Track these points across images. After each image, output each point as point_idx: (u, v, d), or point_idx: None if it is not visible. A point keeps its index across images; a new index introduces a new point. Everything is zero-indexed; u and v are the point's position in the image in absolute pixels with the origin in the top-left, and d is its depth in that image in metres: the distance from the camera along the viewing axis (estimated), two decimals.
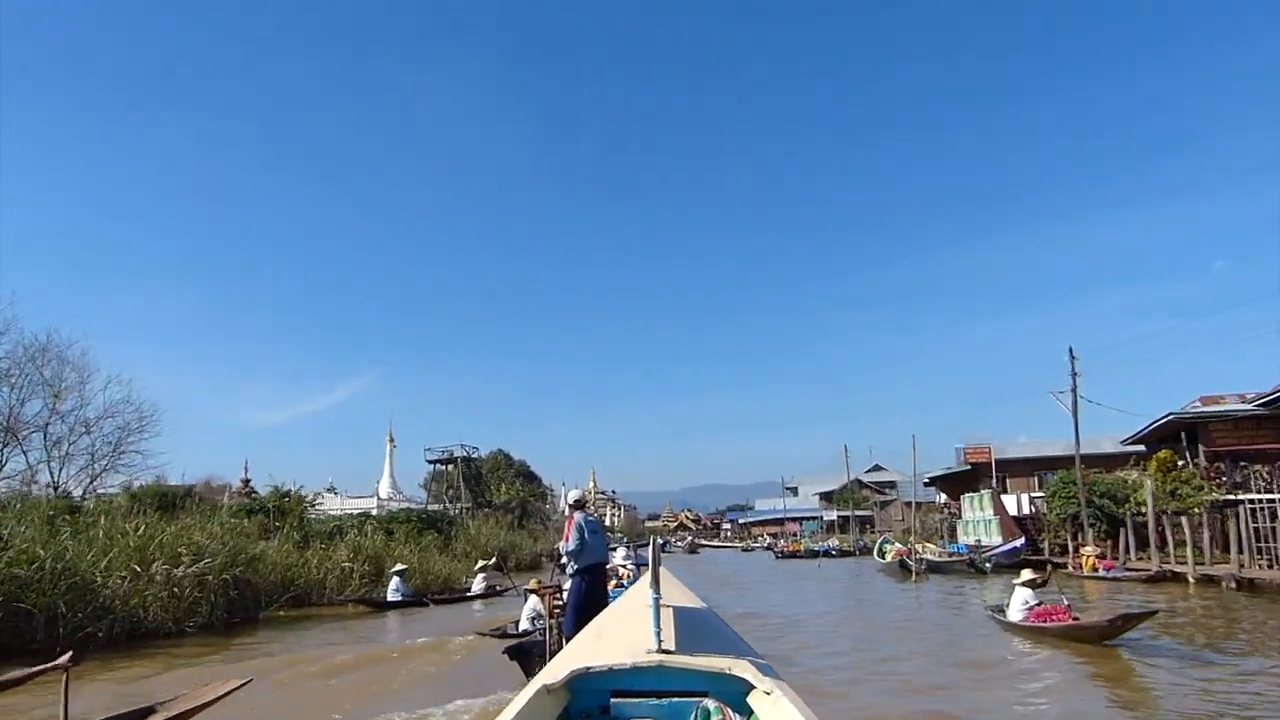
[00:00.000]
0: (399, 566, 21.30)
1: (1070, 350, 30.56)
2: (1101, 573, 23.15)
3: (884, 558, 34.78)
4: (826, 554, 49.09)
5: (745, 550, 77.74)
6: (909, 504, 72.58)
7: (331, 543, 22.19)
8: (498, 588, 23.64)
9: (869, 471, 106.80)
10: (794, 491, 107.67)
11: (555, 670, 3.49)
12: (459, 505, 62.48)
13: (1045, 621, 11.95)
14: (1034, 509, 34.54)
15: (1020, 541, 29.94)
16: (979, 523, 35.48)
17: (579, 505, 9.24)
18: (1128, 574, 23.00)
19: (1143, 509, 26.61)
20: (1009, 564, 28.75)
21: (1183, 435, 30.11)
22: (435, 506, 58.34)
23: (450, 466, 64.20)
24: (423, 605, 20.52)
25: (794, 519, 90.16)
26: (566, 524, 9.06)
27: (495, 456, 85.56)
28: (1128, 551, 26.29)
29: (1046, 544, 30.91)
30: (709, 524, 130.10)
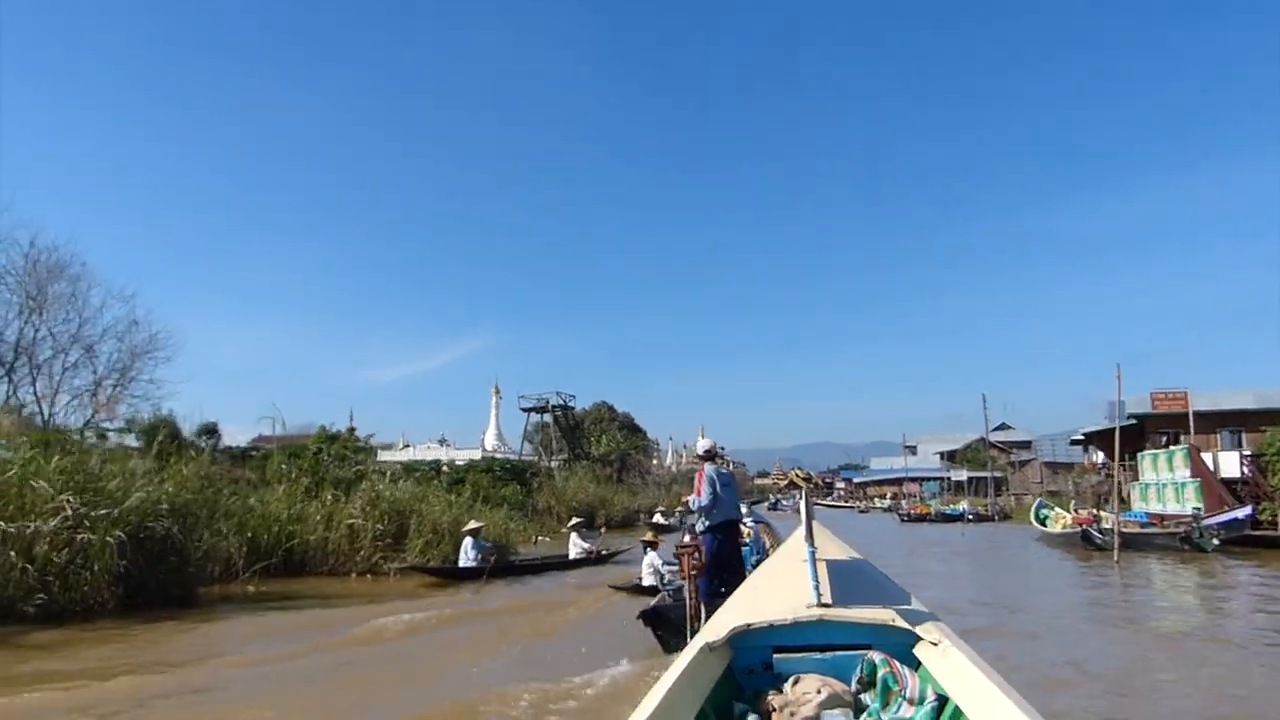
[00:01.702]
0: (472, 524, 15.96)
1: None
2: None
3: (1045, 525, 27.75)
4: (963, 518, 41.76)
5: (862, 511, 69.92)
6: (1049, 464, 63.95)
7: (349, 494, 16.75)
8: (603, 551, 18.36)
9: (995, 430, 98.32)
10: (913, 450, 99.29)
11: (716, 628, 3.30)
12: (554, 457, 57.80)
13: None
14: (1245, 472, 26.49)
15: (1246, 510, 22.26)
16: (1165, 486, 27.73)
17: (709, 456, 8.51)
18: None
19: None
20: (1230, 539, 21.41)
21: None
22: (531, 458, 53.51)
23: (548, 417, 58.78)
24: (480, 576, 14.70)
25: (914, 479, 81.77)
26: (696, 477, 8.24)
27: (598, 408, 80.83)
28: None
29: (1278, 515, 23.08)
30: (820, 483, 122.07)
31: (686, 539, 11.00)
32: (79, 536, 9.78)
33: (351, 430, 54.53)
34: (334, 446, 23.20)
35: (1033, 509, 30.77)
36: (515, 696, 6.04)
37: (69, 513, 9.69)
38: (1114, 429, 40.71)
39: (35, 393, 19.88)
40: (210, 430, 20.25)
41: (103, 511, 10.16)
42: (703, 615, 6.33)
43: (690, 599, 6.94)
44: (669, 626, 7.24)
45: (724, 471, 8.29)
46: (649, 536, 12.71)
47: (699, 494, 8.01)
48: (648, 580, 11.63)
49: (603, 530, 21.79)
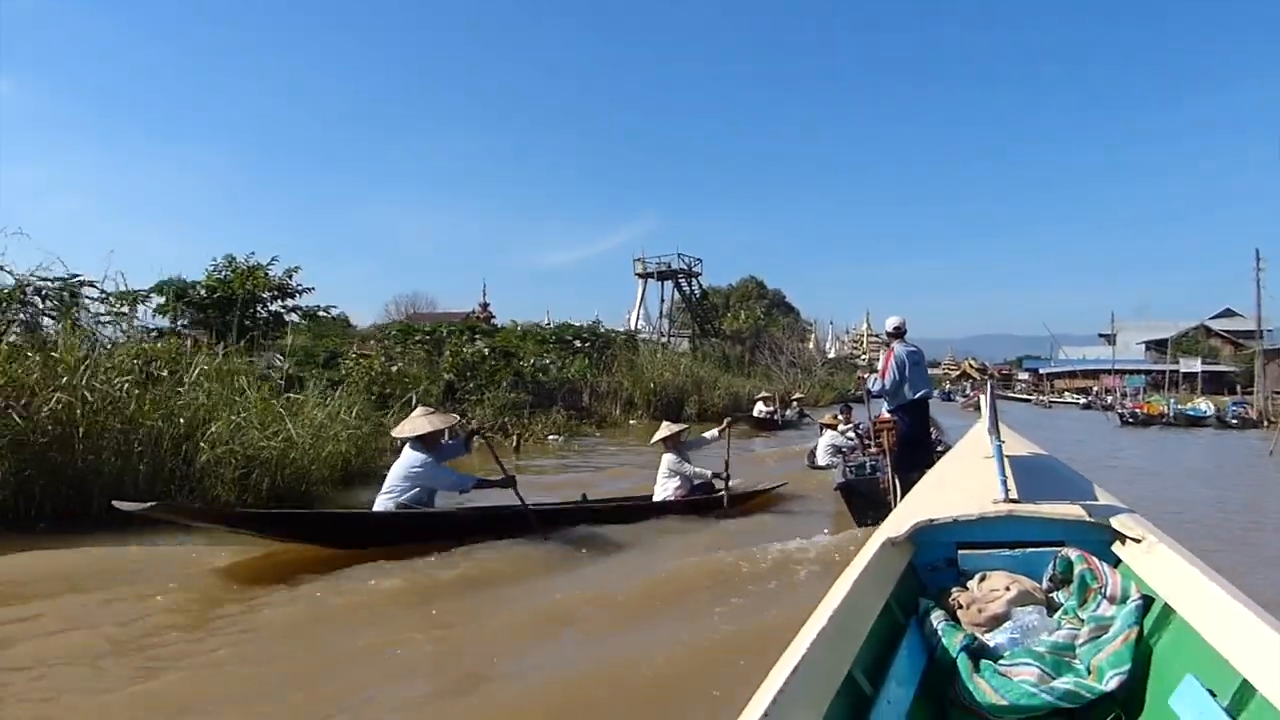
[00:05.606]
0: (417, 420, 5.62)
1: None
2: None
3: None
4: (1223, 422, 27.97)
5: (1045, 407, 54.71)
6: None
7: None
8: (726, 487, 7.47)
9: (1217, 317, 79.11)
10: (1109, 340, 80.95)
11: (898, 523, 2.82)
12: (678, 333, 47.28)
13: None
14: None
15: None
16: None
17: (898, 334, 7.41)
18: None
19: None
20: None
21: None
22: (646, 332, 42.98)
23: (674, 286, 47.30)
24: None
25: (1119, 371, 64.95)
26: (884, 357, 7.43)
27: (745, 284, 69.44)
28: None
29: None
30: (997, 374, 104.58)
31: (840, 422, 11.83)
32: None
33: (485, 305, 44.76)
34: (236, 287, 14.11)
35: None
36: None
37: None
38: None
39: None
40: None
41: None
42: (897, 491, 5.96)
43: (888, 473, 6.55)
44: (861, 499, 6.94)
45: (913, 349, 7.32)
46: (826, 419, 12.04)
47: (883, 375, 7.15)
48: (823, 460, 10.74)
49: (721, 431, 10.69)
